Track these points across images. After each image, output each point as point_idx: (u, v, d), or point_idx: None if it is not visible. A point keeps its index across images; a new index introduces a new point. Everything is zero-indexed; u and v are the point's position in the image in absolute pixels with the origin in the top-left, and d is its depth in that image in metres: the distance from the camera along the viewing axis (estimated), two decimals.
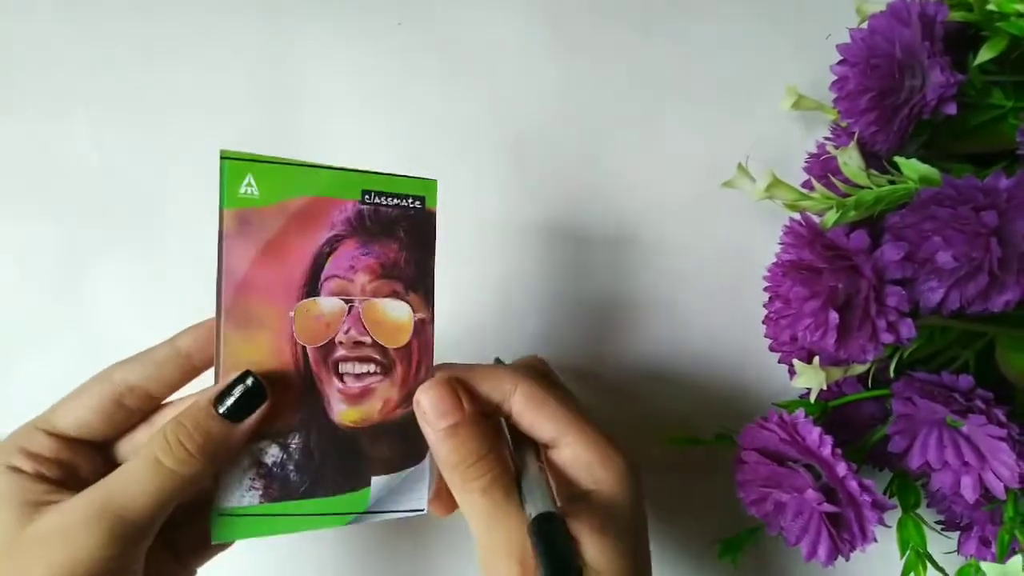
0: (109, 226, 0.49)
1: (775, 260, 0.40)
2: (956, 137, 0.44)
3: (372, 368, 0.35)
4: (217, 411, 0.32)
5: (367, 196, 0.35)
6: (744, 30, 0.53)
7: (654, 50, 0.53)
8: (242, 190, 0.33)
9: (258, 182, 0.33)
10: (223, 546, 0.36)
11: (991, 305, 0.36)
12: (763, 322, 0.44)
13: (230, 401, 0.32)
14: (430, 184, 0.36)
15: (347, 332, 0.35)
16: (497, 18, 0.53)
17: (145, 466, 0.31)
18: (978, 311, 0.36)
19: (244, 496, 0.33)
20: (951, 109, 0.39)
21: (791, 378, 0.43)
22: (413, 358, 0.36)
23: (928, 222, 0.36)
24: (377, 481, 0.35)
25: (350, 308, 0.35)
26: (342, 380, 0.35)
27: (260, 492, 0.33)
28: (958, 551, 0.43)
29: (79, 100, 0.50)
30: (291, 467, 0.34)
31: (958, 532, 0.44)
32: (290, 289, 0.34)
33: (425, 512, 0.36)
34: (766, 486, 0.40)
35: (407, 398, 0.35)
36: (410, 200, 0.36)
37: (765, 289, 0.41)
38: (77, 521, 0.30)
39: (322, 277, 0.34)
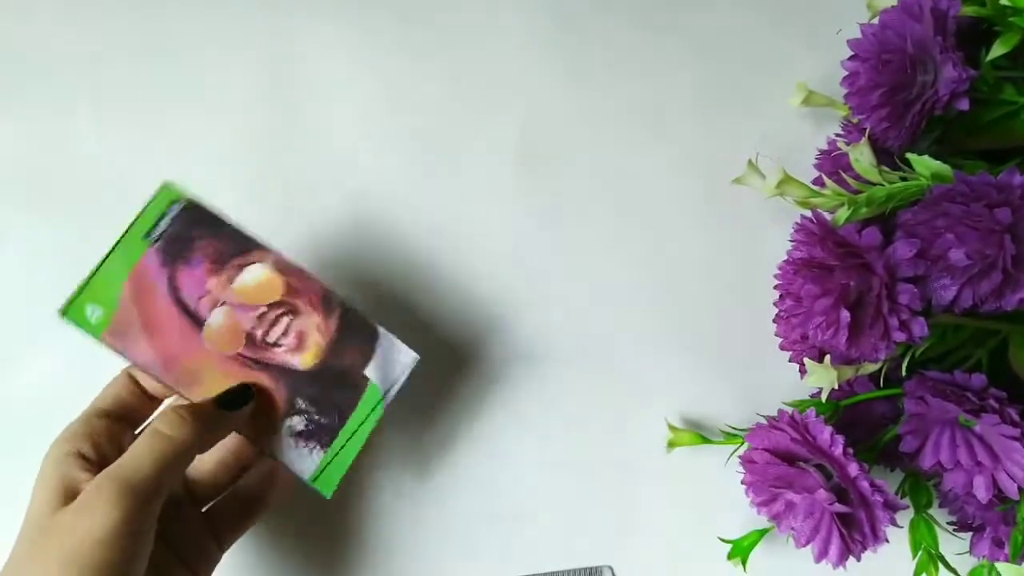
0: (112, 225, 0.49)
1: (786, 258, 0.40)
2: (968, 133, 0.43)
3: (284, 321, 0.40)
4: (213, 399, 0.38)
5: (151, 238, 0.40)
6: (753, 25, 0.53)
7: (662, 46, 0.52)
8: (93, 319, 0.39)
9: (97, 303, 0.39)
10: (250, 522, 0.41)
11: (1005, 303, 0.35)
12: (774, 320, 0.44)
13: (226, 394, 0.39)
14: (166, 190, 0.40)
15: (248, 318, 0.40)
16: (501, 15, 0.52)
17: (147, 435, 0.35)
18: (991, 309, 0.36)
19: (313, 459, 0.40)
20: (963, 104, 0.39)
21: (802, 377, 0.43)
22: (302, 286, 0.41)
23: (941, 219, 0.36)
24: (371, 373, 0.41)
25: (229, 305, 0.40)
26: (279, 345, 0.40)
27: (318, 447, 0.40)
28: (970, 552, 0.43)
29: (82, 99, 0.50)
30: (317, 418, 0.40)
31: (970, 533, 0.43)
32: (189, 334, 0.40)
33: (417, 356, 0.41)
34: (776, 486, 0.40)
35: (326, 311, 0.41)
36: (172, 210, 0.40)
37: (776, 287, 0.41)
38: (92, 493, 0.33)
39: (194, 307, 0.40)
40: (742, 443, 0.45)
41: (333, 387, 0.40)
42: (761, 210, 0.50)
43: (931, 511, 0.42)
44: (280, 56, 0.51)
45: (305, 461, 0.40)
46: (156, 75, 0.51)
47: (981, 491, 0.37)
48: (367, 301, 0.49)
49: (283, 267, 0.41)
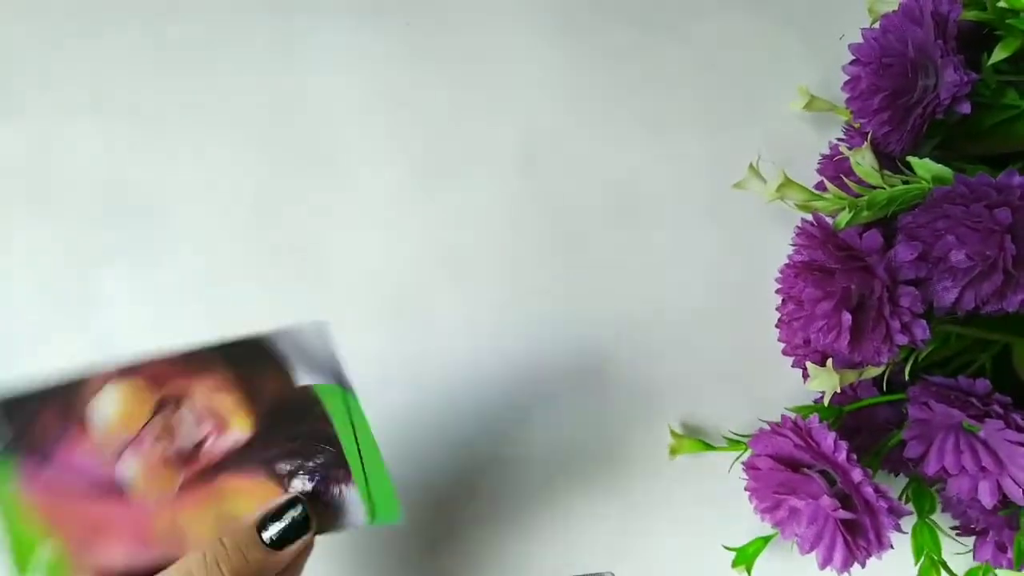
0: (116, 230, 0.49)
1: (787, 262, 0.40)
2: (970, 138, 0.43)
3: (183, 414, 0.34)
4: (260, 537, 0.32)
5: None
6: (755, 31, 0.53)
7: (663, 51, 0.53)
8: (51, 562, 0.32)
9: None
10: None
11: (1007, 304, 0.35)
12: (776, 325, 0.43)
13: (276, 529, 0.32)
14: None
15: (151, 445, 0.33)
16: (505, 18, 0.53)
17: None
18: (994, 310, 0.35)
19: (352, 499, 0.33)
20: (965, 108, 0.39)
21: (805, 382, 0.43)
22: (160, 370, 0.34)
23: (941, 220, 0.36)
24: (305, 379, 0.34)
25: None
26: (205, 440, 0.34)
27: (343, 485, 0.34)
28: (973, 556, 0.42)
29: (86, 104, 0.50)
30: (311, 464, 0.33)
31: (973, 537, 0.43)
32: (129, 505, 0.33)
33: (327, 321, 0.34)
34: (780, 492, 0.39)
35: (204, 368, 0.33)
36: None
37: (778, 291, 0.41)
38: None
39: (104, 479, 0.33)
40: (745, 449, 0.45)
41: (293, 425, 0.34)
42: (762, 214, 0.50)
43: (934, 516, 0.42)
44: (283, 64, 0.52)
45: (350, 510, 0.34)
46: (164, 79, 0.51)
47: (986, 497, 0.37)
48: (372, 313, 0.49)
49: (132, 370, 0.33)
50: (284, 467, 0.33)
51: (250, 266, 0.49)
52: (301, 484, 0.33)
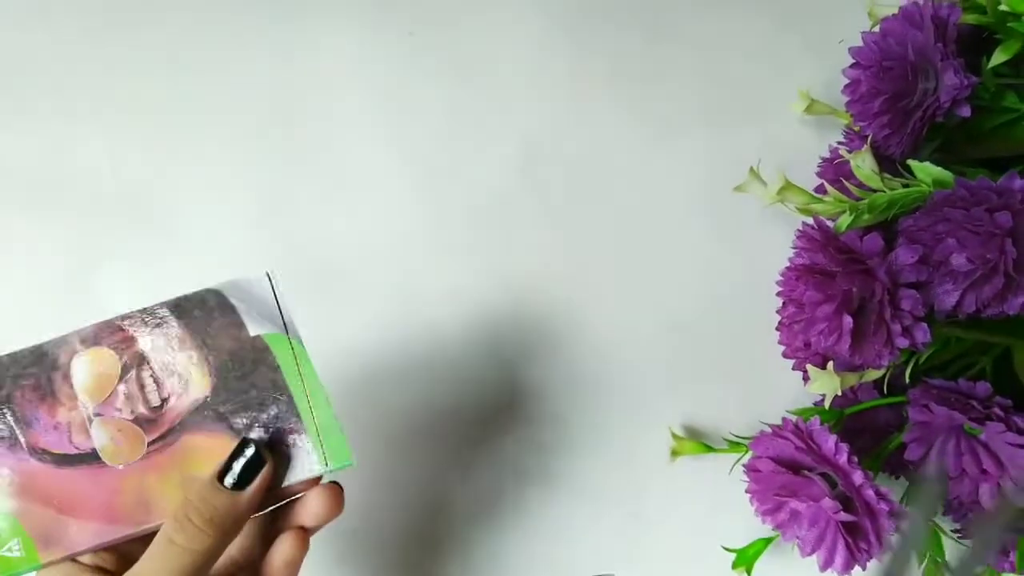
0: (119, 229, 0.49)
1: (788, 264, 0.40)
2: (970, 141, 0.43)
3: (146, 376, 0.34)
4: (222, 483, 0.32)
5: None
6: (755, 34, 0.53)
7: (664, 54, 0.53)
8: (19, 553, 0.32)
9: (3, 540, 0.32)
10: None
11: (1007, 307, 0.35)
12: (776, 328, 0.43)
13: (234, 472, 0.32)
14: None
15: (121, 408, 0.34)
16: (507, 26, 0.53)
17: (162, 548, 0.31)
18: (994, 314, 0.35)
19: (307, 448, 0.34)
20: (965, 111, 0.39)
21: (805, 385, 0.43)
22: (123, 334, 0.34)
23: (942, 224, 0.36)
24: (254, 328, 0.34)
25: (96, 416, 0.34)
26: (168, 399, 0.34)
27: (296, 434, 0.34)
28: None
29: (89, 104, 0.51)
30: (265, 416, 0.34)
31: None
32: (98, 474, 0.33)
33: (270, 271, 0.36)
34: (781, 495, 0.40)
35: (159, 327, 0.34)
36: None
37: (778, 294, 0.41)
38: None
39: (74, 449, 0.33)
40: (746, 452, 0.45)
41: (245, 377, 0.34)
42: (763, 218, 0.50)
43: (935, 519, 0.42)
44: (284, 66, 0.52)
45: (303, 459, 0.34)
46: (166, 80, 0.51)
47: (987, 499, 0.37)
48: (375, 313, 0.49)
49: (95, 336, 0.34)
50: (240, 421, 0.34)
51: (251, 266, 0.49)
52: (255, 435, 0.34)
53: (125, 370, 0.34)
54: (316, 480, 0.35)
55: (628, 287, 0.50)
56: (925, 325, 0.36)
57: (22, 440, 0.33)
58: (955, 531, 0.43)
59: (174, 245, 0.49)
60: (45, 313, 0.48)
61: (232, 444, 0.33)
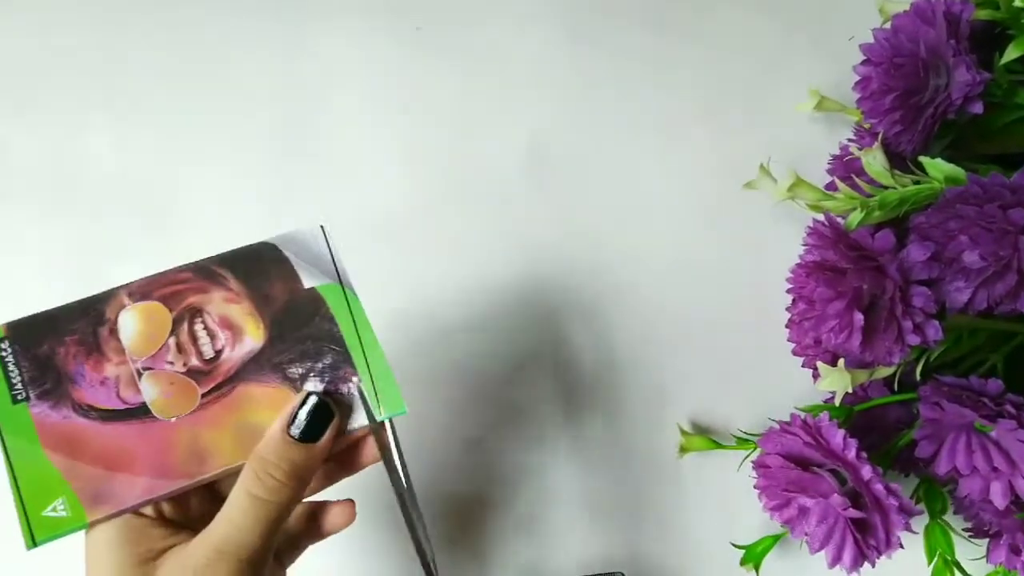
0: (126, 227, 0.49)
1: (798, 261, 0.40)
2: (982, 138, 0.43)
3: (198, 327, 0.34)
4: (292, 436, 0.33)
5: (18, 398, 0.33)
6: (765, 31, 0.53)
7: (673, 51, 0.53)
8: (66, 512, 0.31)
9: (49, 498, 0.31)
10: (311, 541, 0.37)
11: (1020, 305, 0.35)
12: (786, 325, 0.43)
13: (302, 425, 0.33)
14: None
15: (171, 361, 0.34)
16: (514, 22, 0.53)
17: (245, 504, 0.32)
18: (1007, 311, 0.35)
19: (356, 397, 0.34)
20: (977, 108, 0.39)
21: (815, 382, 0.43)
22: (175, 288, 0.35)
23: (954, 221, 0.35)
24: (308, 280, 0.35)
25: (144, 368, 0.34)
26: (221, 351, 0.34)
27: (351, 384, 0.34)
28: (986, 559, 0.42)
29: (97, 104, 0.51)
30: (320, 365, 0.34)
31: (986, 539, 0.43)
32: (148, 429, 0.33)
33: (322, 224, 0.36)
34: (789, 491, 0.39)
35: (215, 280, 0.35)
36: (5, 355, 0.34)
37: (788, 291, 0.41)
38: (199, 568, 0.30)
39: (122, 404, 0.33)
40: (755, 448, 0.45)
41: (301, 328, 0.34)
42: (772, 215, 0.50)
43: (946, 517, 0.42)
44: (293, 64, 0.52)
45: (360, 407, 0.34)
46: (174, 79, 0.51)
47: (998, 497, 0.37)
48: (380, 313, 0.49)
49: (143, 290, 0.34)
50: (296, 371, 0.34)
51: None
52: (313, 386, 0.34)
53: (176, 323, 0.34)
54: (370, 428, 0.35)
55: (636, 283, 0.50)
56: (936, 322, 0.36)
57: (67, 396, 0.33)
58: (966, 530, 0.43)
59: (183, 244, 0.49)
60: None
61: (288, 393, 0.34)
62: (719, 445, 0.47)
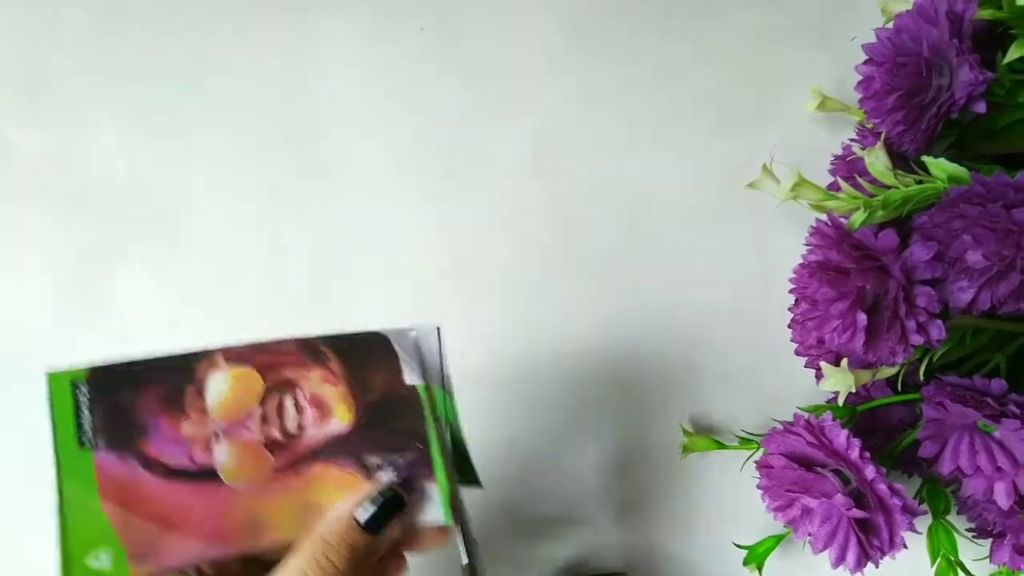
0: (134, 230, 0.49)
1: (801, 261, 0.40)
2: (984, 138, 0.43)
3: (288, 403, 0.34)
4: (359, 523, 0.32)
5: (85, 442, 0.32)
6: (768, 31, 0.53)
7: (676, 51, 0.52)
8: (108, 567, 0.31)
9: (94, 548, 0.31)
10: None
11: (1023, 305, 0.35)
12: (789, 325, 0.43)
13: (370, 512, 0.33)
14: (56, 380, 0.33)
15: (252, 430, 0.33)
16: (517, 22, 0.53)
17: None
18: (1010, 311, 0.35)
19: (432, 498, 0.34)
20: (980, 107, 0.39)
21: (818, 383, 0.43)
22: (273, 357, 0.34)
23: (957, 220, 0.35)
24: (411, 379, 0.34)
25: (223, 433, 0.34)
26: (303, 428, 0.34)
27: (426, 481, 0.34)
28: (990, 559, 0.42)
29: (105, 107, 0.51)
30: (401, 459, 0.34)
31: (990, 540, 0.43)
32: (212, 493, 0.32)
33: (438, 325, 0.36)
34: (793, 491, 0.39)
35: (317, 359, 0.34)
36: (80, 396, 0.33)
37: (791, 291, 0.41)
38: None
39: (191, 465, 0.32)
40: (757, 448, 0.45)
41: (391, 422, 0.34)
42: (775, 215, 0.50)
43: (949, 517, 0.42)
44: (296, 66, 0.52)
45: (430, 508, 0.34)
46: (179, 83, 0.51)
47: (1002, 497, 0.37)
48: (384, 313, 0.49)
49: (241, 356, 0.33)
50: (373, 460, 0.34)
51: (263, 265, 0.49)
52: (387, 477, 0.33)
53: (268, 393, 0.33)
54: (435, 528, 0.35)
55: (638, 283, 0.50)
56: (940, 322, 0.36)
57: (135, 448, 0.32)
58: (969, 530, 0.43)
59: (189, 246, 0.50)
60: (60, 312, 0.49)
61: (361, 481, 0.33)
62: (722, 445, 0.47)
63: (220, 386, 0.33)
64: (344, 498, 0.33)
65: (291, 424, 0.33)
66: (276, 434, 0.33)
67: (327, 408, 0.34)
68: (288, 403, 0.34)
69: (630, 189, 0.51)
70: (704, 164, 0.51)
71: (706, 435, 0.47)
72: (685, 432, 0.47)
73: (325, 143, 0.51)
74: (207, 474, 0.32)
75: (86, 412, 0.32)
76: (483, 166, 0.51)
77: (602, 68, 0.52)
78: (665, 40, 0.52)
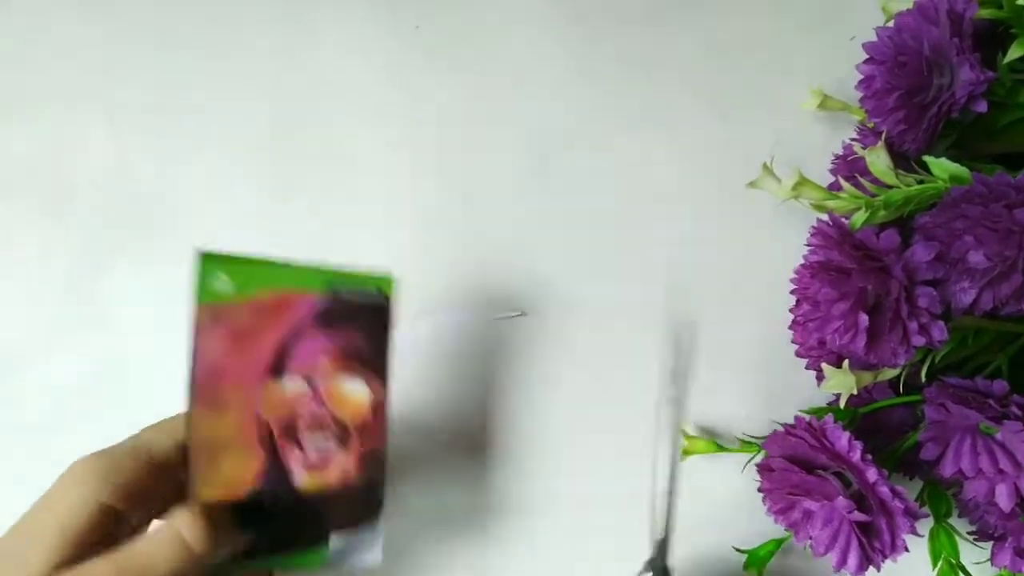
0: (127, 228, 0.49)
1: (802, 262, 0.40)
2: (985, 137, 0.43)
3: (329, 439, 0.37)
4: None
5: (330, 289, 0.37)
6: (768, 29, 0.52)
7: (675, 49, 0.52)
8: (217, 286, 0.35)
9: (232, 278, 0.35)
10: None
11: None
12: (790, 327, 0.43)
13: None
14: (386, 279, 0.39)
15: (309, 409, 0.37)
16: (515, 19, 0.52)
17: (168, 538, 0.32)
18: (1012, 312, 0.35)
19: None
20: (981, 107, 0.39)
21: (819, 384, 0.42)
22: (369, 429, 0.38)
23: (959, 221, 0.35)
24: (336, 538, 0.38)
25: (312, 387, 0.37)
26: (303, 450, 0.37)
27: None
28: (991, 562, 0.42)
29: (97, 104, 0.50)
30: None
31: (991, 542, 0.42)
32: (258, 373, 0.36)
33: (380, 563, 0.38)
34: (794, 494, 0.39)
35: (363, 467, 0.38)
36: (369, 291, 0.38)
37: (792, 292, 0.41)
38: None
39: (288, 361, 0.36)
40: (758, 451, 0.44)
41: (295, 521, 0.37)
42: (776, 215, 0.49)
43: (951, 520, 0.42)
44: (291, 64, 0.52)
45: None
46: (173, 78, 0.51)
47: (1004, 500, 0.36)
48: None
49: (376, 406, 0.38)
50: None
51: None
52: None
53: (338, 423, 0.38)
54: None
55: (639, 283, 0.50)
56: (942, 323, 0.35)
57: (309, 327, 0.37)
58: (971, 533, 0.43)
59: (181, 247, 0.49)
60: (51, 314, 0.48)
61: None
62: (723, 448, 0.46)
63: (353, 392, 0.38)
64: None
65: (309, 441, 0.37)
66: (300, 426, 0.37)
67: (320, 469, 0.37)
68: (328, 438, 0.38)
69: (630, 188, 0.51)
70: (704, 163, 0.51)
71: (707, 438, 0.47)
72: (685, 435, 0.47)
73: (320, 142, 0.51)
74: (277, 371, 0.36)
75: (359, 295, 0.38)
76: (481, 162, 0.51)
77: (602, 65, 0.52)
78: (665, 37, 0.52)
